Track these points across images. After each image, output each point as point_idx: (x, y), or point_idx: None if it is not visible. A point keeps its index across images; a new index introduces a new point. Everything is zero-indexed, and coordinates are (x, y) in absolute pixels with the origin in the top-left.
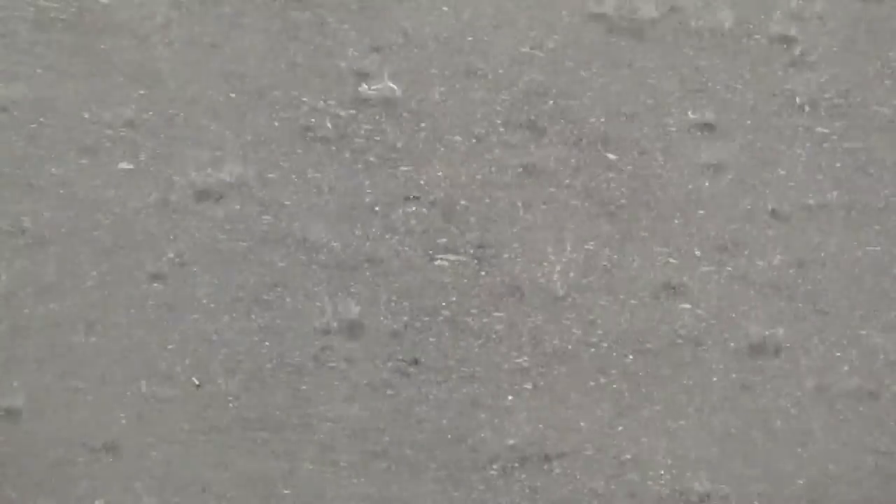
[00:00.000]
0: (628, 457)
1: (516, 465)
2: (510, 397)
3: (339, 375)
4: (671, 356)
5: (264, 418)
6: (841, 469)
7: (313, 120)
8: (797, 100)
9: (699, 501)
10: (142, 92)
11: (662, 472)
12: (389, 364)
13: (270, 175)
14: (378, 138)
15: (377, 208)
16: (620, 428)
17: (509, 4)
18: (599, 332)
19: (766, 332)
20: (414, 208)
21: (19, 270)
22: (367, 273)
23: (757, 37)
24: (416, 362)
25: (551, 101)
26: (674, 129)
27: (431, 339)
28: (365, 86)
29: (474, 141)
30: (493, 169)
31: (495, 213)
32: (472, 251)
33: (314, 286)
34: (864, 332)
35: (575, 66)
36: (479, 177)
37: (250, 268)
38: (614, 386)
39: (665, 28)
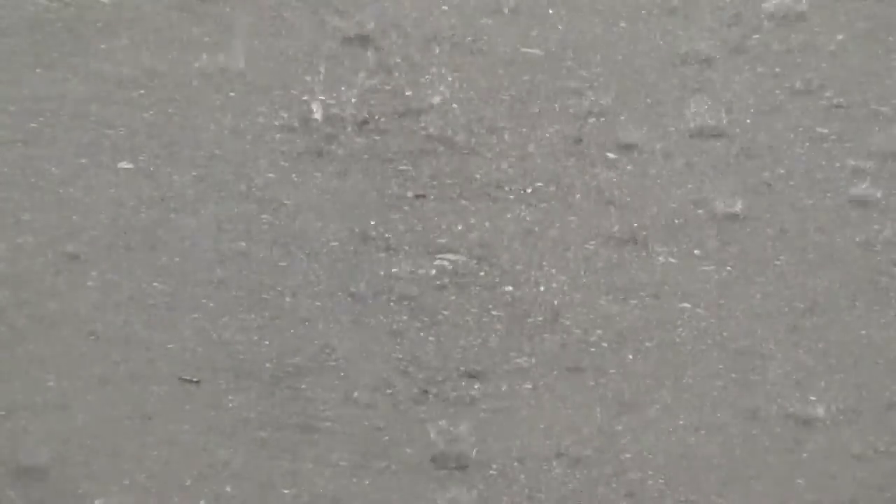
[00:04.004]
0: (628, 456)
1: (516, 464)
2: (510, 397)
3: (339, 375)
4: (671, 356)
5: (264, 418)
6: (841, 469)
7: (313, 119)
8: (798, 99)
9: (699, 501)
10: (142, 92)
11: (662, 472)
12: (389, 364)
13: (270, 175)
14: (378, 137)
15: (377, 208)
16: (620, 428)
17: (510, 3)
18: (599, 331)
19: (767, 332)
20: (414, 208)
21: (19, 270)
22: (367, 273)
23: (756, 37)
24: (416, 362)
25: (551, 101)
26: (674, 129)
27: (431, 339)
28: (363, 82)
29: (474, 140)
30: (493, 168)
31: (495, 212)
32: (472, 251)
33: (314, 286)
34: (863, 332)
35: (575, 66)
36: (478, 176)
37: (250, 268)
38: (614, 386)
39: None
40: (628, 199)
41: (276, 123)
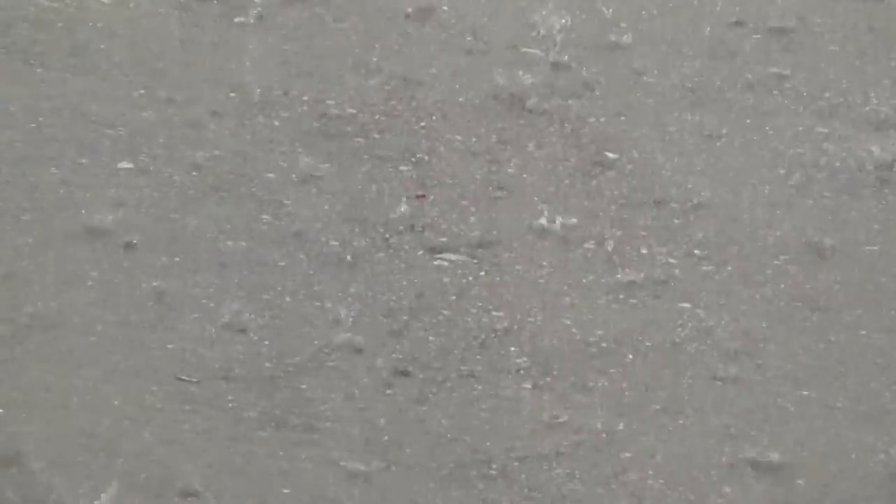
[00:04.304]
0: (628, 456)
1: (516, 465)
2: (510, 397)
3: (339, 375)
4: (671, 356)
5: (264, 418)
6: (842, 469)
7: (313, 119)
8: (797, 99)
9: (699, 501)
10: (142, 92)
11: (662, 472)
12: (389, 364)
13: (270, 175)
14: (378, 137)
15: (377, 208)
16: (620, 428)
17: (510, 4)
18: (599, 332)
19: (766, 332)
20: (414, 208)
21: (19, 270)
22: (367, 273)
23: (756, 36)
24: (415, 362)
25: (551, 102)
26: (673, 128)
27: (431, 339)
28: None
29: (474, 140)
30: (493, 168)
31: (495, 213)
32: (472, 251)
33: (314, 286)
34: (863, 332)
35: (575, 66)
36: (478, 176)
37: (250, 268)
38: (614, 386)
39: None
40: (627, 199)
41: (276, 123)
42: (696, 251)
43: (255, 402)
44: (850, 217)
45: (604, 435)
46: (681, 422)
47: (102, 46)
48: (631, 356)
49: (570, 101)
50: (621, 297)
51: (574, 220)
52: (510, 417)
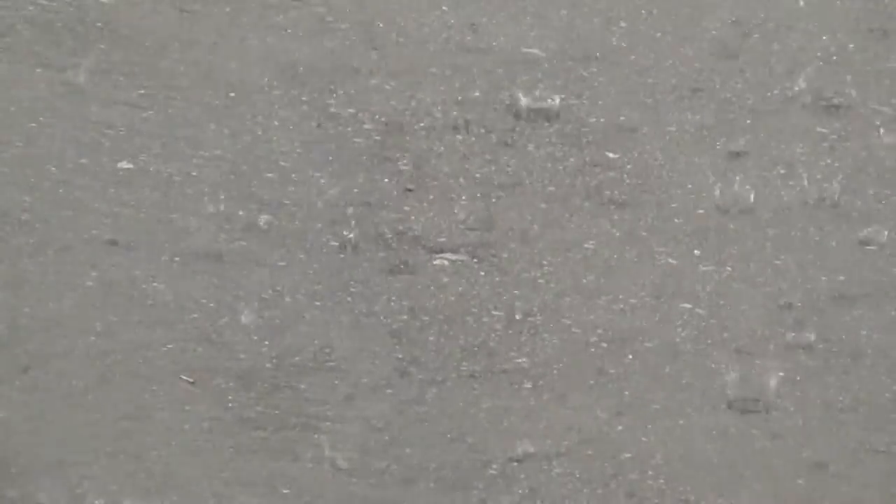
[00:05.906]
0: (628, 456)
1: (516, 465)
2: (510, 397)
3: (339, 375)
4: (671, 356)
5: (264, 418)
6: (841, 469)
7: (313, 119)
8: (797, 99)
9: (698, 502)
10: (142, 92)
11: (662, 472)
12: (389, 364)
13: (270, 175)
14: (378, 137)
15: (376, 207)
16: (620, 428)
17: (510, 4)
18: (599, 331)
19: (767, 333)
20: (414, 207)
21: (19, 270)
22: (367, 272)
23: (756, 36)
24: (415, 362)
25: (551, 101)
26: (674, 128)
27: (431, 339)
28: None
29: (474, 140)
30: (493, 168)
31: (495, 212)
32: (472, 251)
33: (314, 285)
34: (863, 333)
35: (575, 66)
36: (478, 176)
37: (251, 268)
38: (614, 386)
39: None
40: (627, 199)
41: (276, 123)
42: (696, 251)
43: (255, 402)
44: (851, 217)
45: (604, 435)
46: (681, 422)
47: (102, 46)
48: (631, 356)
49: (570, 101)
50: (622, 297)
51: (574, 221)
52: (510, 417)
